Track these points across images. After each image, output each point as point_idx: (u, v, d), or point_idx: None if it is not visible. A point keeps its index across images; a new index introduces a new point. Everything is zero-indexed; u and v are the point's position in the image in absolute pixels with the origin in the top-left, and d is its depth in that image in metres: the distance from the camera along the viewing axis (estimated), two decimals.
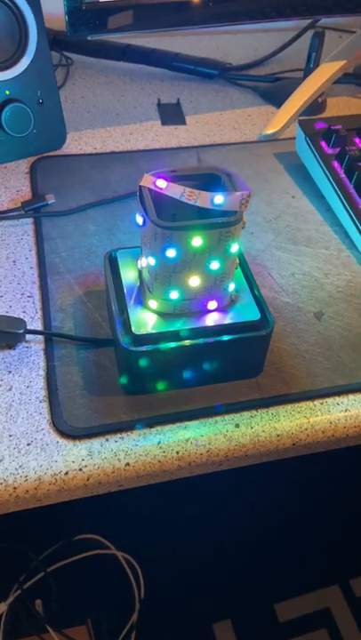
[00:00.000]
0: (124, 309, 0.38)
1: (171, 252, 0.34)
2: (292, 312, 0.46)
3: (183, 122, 0.69)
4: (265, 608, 1.08)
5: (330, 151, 0.57)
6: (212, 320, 0.38)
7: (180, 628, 1.01)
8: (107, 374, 0.41)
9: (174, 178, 0.37)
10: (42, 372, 0.41)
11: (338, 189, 0.54)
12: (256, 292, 0.40)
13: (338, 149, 0.57)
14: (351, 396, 0.41)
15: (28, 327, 0.43)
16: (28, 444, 0.37)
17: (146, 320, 0.38)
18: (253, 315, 0.38)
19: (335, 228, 0.54)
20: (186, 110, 0.71)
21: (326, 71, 0.69)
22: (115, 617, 0.87)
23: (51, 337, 0.43)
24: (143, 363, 0.37)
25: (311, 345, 0.44)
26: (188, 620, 1.02)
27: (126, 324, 0.38)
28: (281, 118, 0.67)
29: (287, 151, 0.64)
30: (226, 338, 0.37)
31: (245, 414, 0.39)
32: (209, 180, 0.37)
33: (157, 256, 0.35)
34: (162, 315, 0.38)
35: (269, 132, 0.66)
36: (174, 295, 0.37)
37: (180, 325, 0.37)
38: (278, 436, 0.39)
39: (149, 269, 0.36)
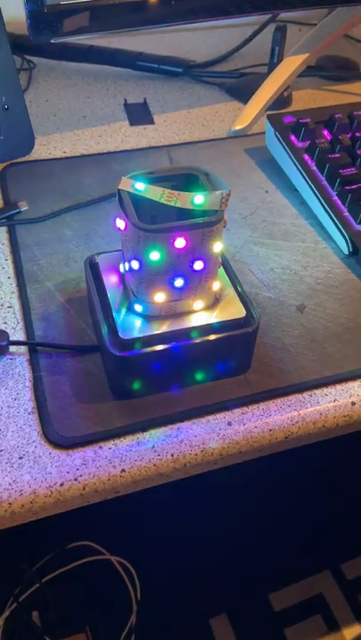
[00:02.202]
0: (109, 314, 0.38)
1: (154, 255, 0.34)
2: (274, 306, 0.46)
3: (151, 121, 0.69)
4: (260, 599, 1.09)
5: (300, 145, 0.58)
6: (198, 320, 0.38)
7: (178, 626, 1.02)
8: (95, 381, 0.40)
9: (152, 179, 0.36)
10: (28, 384, 0.41)
11: (310, 182, 0.55)
12: (239, 289, 0.40)
13: (308, 142, 0.57)
14: (338, 386, 0.41)
15: (10, 338, 0.42)
16: (21, 458, 0.36)
17: (132, 324, 0.37)
18: (239, 312, 0.38)
19: (310, 220, 0.55)
20: (153, 109, 0.71)
21: (290, 65, 0.70)
22: (113, 622, 0.87)
23: (35, 347, 0.42)
24: (132, 368, 0.37)
25: (296, 338, 0.44)
26: (186, 618, 1.02)
27: (112, 330, 0.37)
28: (249, 114, 0.68)
29: (257, 146, 0.65)
30: (214, 337, 0.37)
31: (237, 411, 0.39)
32: (187, 180, 0.37)
33: (141, 259, 0.34)
34: (148, 318, 0.38)
35: (238, 128, 0.67)
36: (160, 297, 0.37)
37: (167, 327, 0.37)
38: (271, 430, 0.39)
39: (133, 273, 0.36)
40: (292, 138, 0.58)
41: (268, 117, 0.61)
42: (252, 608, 1.08)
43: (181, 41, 0.86)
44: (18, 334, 0.44)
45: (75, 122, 0.68)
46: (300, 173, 0.56)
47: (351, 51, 0.86)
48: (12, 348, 0.42)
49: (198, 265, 0.35)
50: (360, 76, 0.79)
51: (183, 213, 0.36)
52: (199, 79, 0.77)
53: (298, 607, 1.10)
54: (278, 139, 0.59)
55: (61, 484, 0.36)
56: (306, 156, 0.57)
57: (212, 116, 0.71)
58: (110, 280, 0.40)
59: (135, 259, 0.35)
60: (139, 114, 0.70)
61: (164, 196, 0.35)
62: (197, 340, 0.37)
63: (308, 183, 0.55)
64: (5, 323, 0.45)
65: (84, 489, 0.36)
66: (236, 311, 0.38)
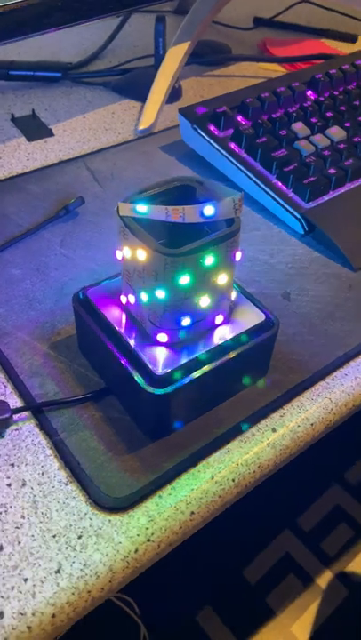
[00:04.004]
0: (128, 352, 0.35)
1: (184, 279, 0.31)
2: (262, 300, 0.46)
3: (50, 133, 0.64)
4: (235, 578, 1.11)
5: (222, 134, 0.57)
6: (223, 334, 0.36)
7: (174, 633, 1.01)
8: (122, 426, 0.37)
9: (147, 199, 0.33)
10: (49, 452, 0.36)
11: (246, 170, 0.54)
12: (245, 293, 0.39)
13: (231, 131, 0.57)
14: (353, 363, 0.42)
15: (11, 406, 0.36)
16: (80, 537, 0.32)
17: (158, 356, 0.34)
18: (257, 316, 0.37)
19: (254, 207, 0.55)
20: (46, 120, 0.66)
21: (177, 55, 0.69)
22: None
23: (40, 409, 0.37)
24: (171, 403, 0.34)
25: (295, 327, 0.44)
26: (178, 621, 1.02)
27: (141, 368, 0.34)
28: (151, 111, 0.66)
29: (171, 142, 0.63)
30: (243, 348, 0.36)
31: (275, 416, 0.38)
32: (181, 194, 0.35)
33: (168, 287, 0.31)
34: (172, 345, 0.35)
35: (144, 127, 0.64)
36: (186, 322, 0.34)
37: (197, 350, 0.35)
38: (312, 425, 0.39)
39: (155, 303, 0.33)
40: (212, 128, 0.58)
41: (181, 111, 0.59)
42: (230, 590, 1.10)
43: (42, 43, 0.81)
44: (12, 400, 0.38)
45: None
46: (231, 163, 0.55)
47: (216, 34, 0.87)
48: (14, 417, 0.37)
49: (222, 279, 0.33)
50: (234, 59, 0.80)
51: (178, 230, 0.33)
52: (80, 81, 0.73)
53: (271, 573, 1.14)
54: (197, 131, 0.58)
55: (136, 551, 0.32)
56: (232, 145, 0.56)
57: (111, 118, 0.67)
58: (112, 314, 0.36)
59: (160, 287, 0.32)
60: (33, 127, 0.64)
61: (169, 214, 0.32)
62: (230, 356, 0.35)
63: (243, 171, 0.55)
64: None
65: (159, 547, 0.33)
66: (254, 316, 0.37)
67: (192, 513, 0.34)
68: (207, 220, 0.32)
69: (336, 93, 0.62)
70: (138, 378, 0.33)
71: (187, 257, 0.30)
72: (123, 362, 0.34)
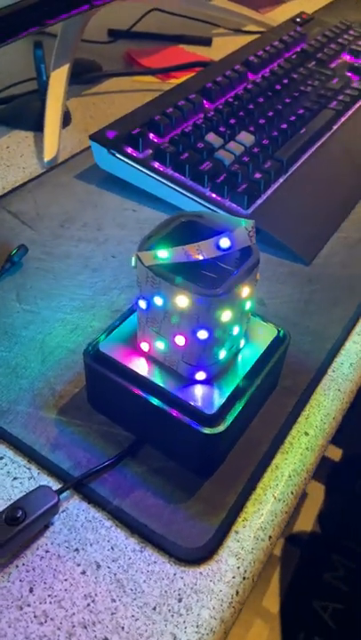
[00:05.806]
0: (170, 397, 0.34)
1: (226, 316, 0.31)
2: None
3: None
4: None
5: (141, 155, 0.57)
6: (250, 356, 0.36)
7: None
8: (170, 474, 0.36)
9: (160, 243, 0.33)
10: (109, 523, 0.33)
11: (176, 187, 0.55)
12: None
13: (150, 150, 0.57)
14: (343, 351, 0.45)
15: (54, 488, 0.33)
16: (180, 600, 0.31)
17: (199, 395, 0.34)
18: (271, 331, 0.38)
19: None
20: None
21: (60, 79, 0.67)
22: None
23: (81, 481, 0.35)
24: (224, 439, 0.34)
25: None
26: None
27: (187, 410, 0.33)
28: (52, 139, 0.63)
29: (84, 169, 0.61)
30: (271, 364, 0.37)
31: (301, 420, 0.40)
32: (185, 231, 0.34)
33: (210, 326, 0.31)
34: (208, 380, 0.35)
35: (50, 157, 0.62)
36: (223, 354, 0.34)
37: (233, 380, 0.35)
38: (334, 418, 0.41)
39: (193, 343, 0.32)
40: (130, 150, 0.57)
41: (92, 137, 0.57)
42: None
43: None
44: (42, 481, 0.35)
45: None
46: (160, 182, 0.55)
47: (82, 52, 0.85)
48: None
49: (248, 304, 0.34)
50: (106, 75, 0.79)
51: (187, 265, 0.33)
52: None
53: None
54: (115, 156, 0.57)
55: (237, 593, 0.32)
56: (156, 164, 0.56)
57: (8, 153, 0.63)
58: (135, 363, 0.35)
59: (202, 328, 0.31)
60: None
61: (188, 253, 0.32)
62: (263, 376, 0.36)
63: (174, 189, 0.55)
64: (15, 478, 0.35)
65: (253, 580, 0.33)
66: (266, 331, 0.38)
67: (270, 537, 0.34)
68: (225, 252, 0.32)
69: (231, 100, 0.64)
70: (188, 421, 0.33)
71: (227, 294, 0.30)
72: (165, 408, 0.33)
